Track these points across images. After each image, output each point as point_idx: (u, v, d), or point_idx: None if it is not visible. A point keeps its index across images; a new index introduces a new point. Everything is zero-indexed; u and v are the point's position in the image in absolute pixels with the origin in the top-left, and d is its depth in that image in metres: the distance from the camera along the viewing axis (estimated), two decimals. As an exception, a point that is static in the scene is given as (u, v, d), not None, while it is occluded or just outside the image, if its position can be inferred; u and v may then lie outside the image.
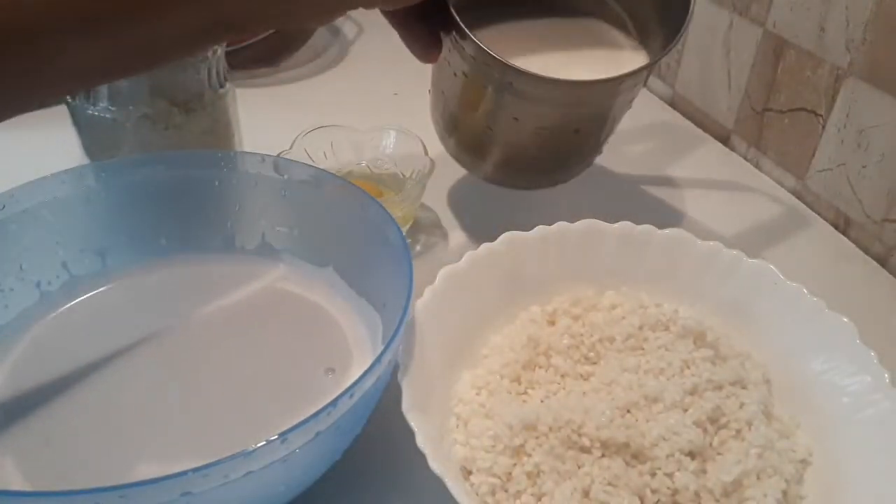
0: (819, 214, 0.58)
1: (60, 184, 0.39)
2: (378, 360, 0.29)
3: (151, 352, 0.38)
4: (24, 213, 0.38)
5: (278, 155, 0.49)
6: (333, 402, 0.26)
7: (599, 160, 0.49)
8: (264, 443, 0.25)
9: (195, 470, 0.23)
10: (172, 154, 0.42)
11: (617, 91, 0.42)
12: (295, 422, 0.25)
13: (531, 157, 0.46)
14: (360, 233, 0.39)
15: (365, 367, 0.29)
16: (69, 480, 0.31)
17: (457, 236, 0.53)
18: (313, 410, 0.26)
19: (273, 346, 0.39)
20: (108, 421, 0.34)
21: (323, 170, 0.42)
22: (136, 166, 0.41)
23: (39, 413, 0.34)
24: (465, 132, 0.47)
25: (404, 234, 0.51)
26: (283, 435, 0.25)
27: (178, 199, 0.42)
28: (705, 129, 0.70)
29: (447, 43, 0.43)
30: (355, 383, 0.27)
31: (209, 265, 0.43)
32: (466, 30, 0.39)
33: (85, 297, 0.40)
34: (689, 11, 0.43)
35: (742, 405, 0.34)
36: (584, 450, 0.32)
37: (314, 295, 0.42)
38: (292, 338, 0.40)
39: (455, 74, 0.43)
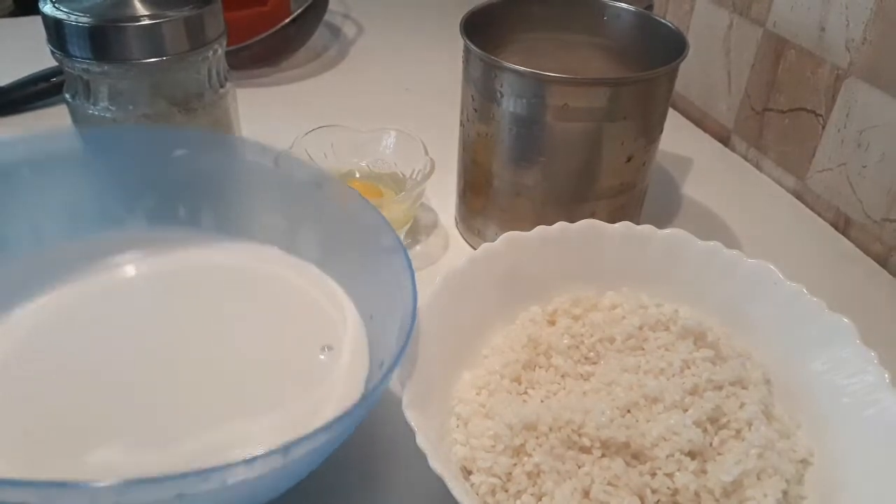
0: (819, 214, 0.58)
1: (47, 142, 0.38)
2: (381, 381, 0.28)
3: (138, 338, 0.37)
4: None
5: (278, 154, 0.49)
6: (340, 419, 0.26)
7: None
8: (265, 453, 0.24)
9: (196, 473, 0.23)
10: (172, 131, 0.41)
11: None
12: (294, 401, 0.25)
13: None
14: (357, 242, 0.39)
15: (360, 344, 0.28)
16: (54, 471, 0.29)
17: (457, 236, 0.53)
18: (312, 390, 0.25)
19: (266, 327, 0.38)
20: (95, 410, 0.33)
21: (324, 171, 0.41)
22: (127, 135, 0.40)
23: (18, 402, 0.33)
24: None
25: (404, 234, 0.51)
26: (285, 449, 0.25)
27: (168, 177, 0.41)
28: (705, 129, 0.70)
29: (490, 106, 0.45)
30: (361, 401, 0.27)
31: (197, 249, 0.42)
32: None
33: (58, 283, 0.39)
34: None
35: (742, 405, 0.34)
36: (585, 450, 0.32)
37: (305, 280, 0.41)
38: (285, 319, 0.39)
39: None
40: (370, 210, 0.37)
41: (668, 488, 0.31)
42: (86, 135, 0.39)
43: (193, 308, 0.39)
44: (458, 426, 0.34)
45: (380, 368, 0.32)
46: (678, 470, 0.31)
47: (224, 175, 0.42)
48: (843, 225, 0.56)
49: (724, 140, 0.68)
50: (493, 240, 0.39)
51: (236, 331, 0.38)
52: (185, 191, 0.42)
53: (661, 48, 0.46)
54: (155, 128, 0.42)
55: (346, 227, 0.39)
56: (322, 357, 0.36)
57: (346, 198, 0.39)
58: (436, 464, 0.28)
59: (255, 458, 0.24)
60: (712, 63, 0.68)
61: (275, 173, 0.41)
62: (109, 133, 0.40)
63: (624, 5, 0.50)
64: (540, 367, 0.36)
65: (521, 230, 0.40)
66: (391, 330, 0.32)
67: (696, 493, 0.31)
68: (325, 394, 0.34)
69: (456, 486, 0.28)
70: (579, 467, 0.31)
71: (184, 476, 0.23)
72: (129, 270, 0.40)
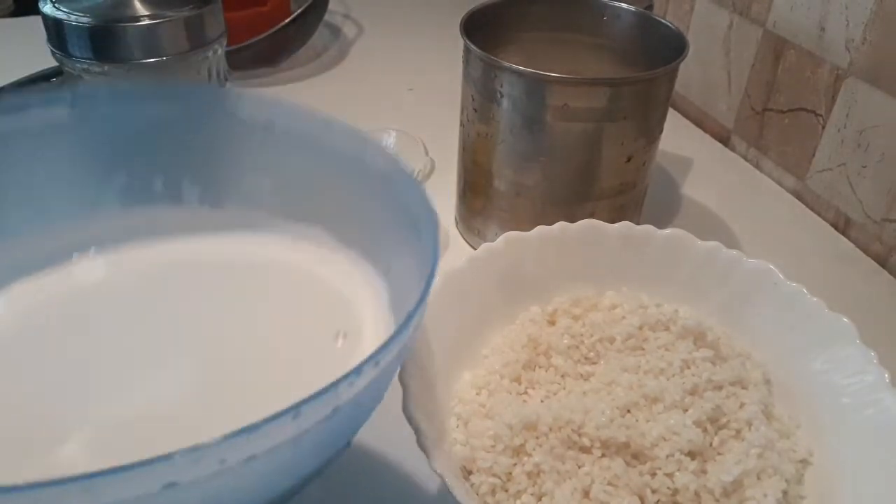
0: (819, 214, 0.58)
1: None
2: (406, 322, 0.24)
3: (134, 334, 0.32)
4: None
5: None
6: (356, 371, 0.22)
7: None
8: (271, 417, 0.20)
9: (183, 452, 0.18)
10: (134, 87, 0.36)
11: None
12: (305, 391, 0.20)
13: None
14: (360, 183, 0.34)
15: (378, 330, 0.25)
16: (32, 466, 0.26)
17: (457, 236, 0.53)
18: (330, 380, 0.21)
19: (273, 316, 0.34)
20: (85, 408, 0.29)
21: (316, 111, 0.35)
22: (80, 97, 0.34)
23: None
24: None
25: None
26: (295, 408, 0.20)
27: (140, 144, 0.35)
28: (705, 129, 0.70)
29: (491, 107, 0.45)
30: (380, 350, 0.23)
31: (182, 228, 0.36)
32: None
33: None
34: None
35: (742, 405, 0.34)
36: (585, 450, 0.32)
37: (306, 259, 0.36)
38: (292, 305, 0.34)
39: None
40: (379, 151, 0.32)
41: (668, 488, 0.31)
42: (26, 100, 0.32)
43: (184, 301, 0.34)
44: (458, 426, 0.34)
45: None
46: (678, 470, 0.31)
47: (203, 136, 0.36)
48: (843, 225, 0.56)
49: (724, 140, 0.68)
50: (493, 240, 0.39)
51: (237, 324, 0.33)
52: (162, 159, 0.36)
53: (661, 48, 0.46)
54: (113, 84, 0.38)
55: (349, 175, 0.34)
56: (338, 345, 0.32)
57: (349, 139, 0.33)
58: (436, 464, 0.28)
59: (257, 425, 0.19)
60: (712, 63, 0.68)
61: (263, 128, 0.35)
62: (55, 97, 0.33)
63: (624, 5, 0.50)
64: (540, 367, 0.36)
65: (521, 230, 0.40)
66: (411, 285, 0.28)
67: (696, 493, 0.31)
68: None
69: (456, 486, 0.28)
70: (579, 467, 0.31)
71: (168, 458, 0.18)
72: (107, 262, 0.35)
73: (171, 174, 0.36)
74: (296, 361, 0.32)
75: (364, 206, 0.34)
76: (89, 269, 0.35)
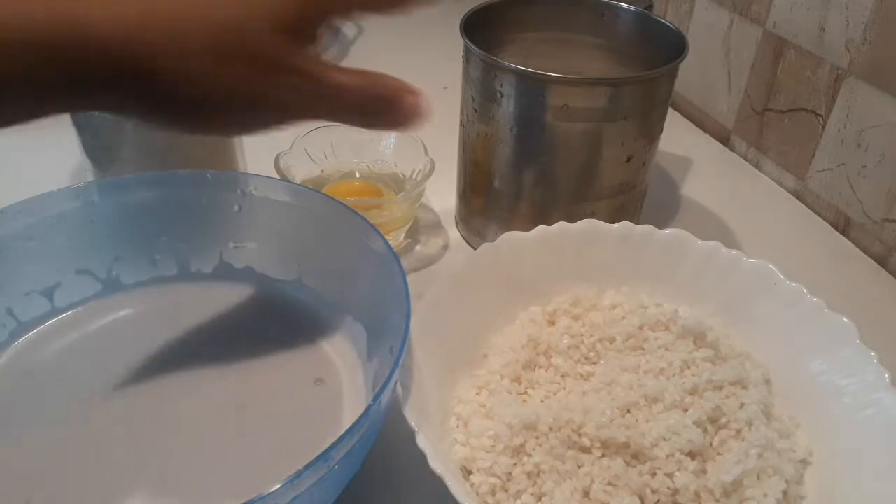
0: (819, 214, 0.58)
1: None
2: (377, 398, 0.27)
3: (131, 390, 0.35)
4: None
5: (277, 156, 0.49)
6: (327, 451, 0.25)
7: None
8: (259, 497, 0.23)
9: None
10: (120, 181, 0.40)
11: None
12: (292, 444, 0.25)
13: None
14: (333, 238, 0.38)
15: (353, 374, 0.27)
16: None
17: (457, 236, 0.53)
18: (310, 428, 0.25)
19: (256, 366, 0.37)
20: (92, 467, 0.32)
21: (294, 184, 0.40)
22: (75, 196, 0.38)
23: (18, 468, 0.32)
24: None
25: (404, 234, 0.51)
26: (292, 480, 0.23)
27: (127, 226, 0.40)
28: (705, 129, 0.70)
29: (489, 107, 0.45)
30: (349, 431, 0.26)
31: (168, 294, 0.41)
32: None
33: (40, 344, 0.38)
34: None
35: (742, 405, 0.34)
36: (584, 450, 0.32)
37: (287, 309, 0.40)
38: (274, 355, 0.38)
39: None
40: (356, 219, 0.36)
41: (668, 488, 0.31)
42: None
43: (175, 351, 0.38)
44: (458, 426, 0.34)
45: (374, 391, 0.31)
46: (678, 470, 0.31)
47: (189, 215, 0.41)
48: (843, 225, 0.56)
49: (724, 140, 0.68)
50: (493, 240, 0.39)
51: (227, 375, 0.37)
52: (155, 240, 0.41)
53: (661, 48, 0.46)
54: (102, 180, 0.41)
55: (330, 239, 0.38)
56: (318, 389, 0.36)
57: (328, 208, 0.38)
58: (436, 464, 0.28)
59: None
60: (712, 63, 0.68)
61: (231, 196, 0.40)
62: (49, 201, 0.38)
63: (624, 5, 0.50)
64: (540, 367, 0.36)
65: (521, 230, 0.40)
66: (387, 345, 0.32)
67: (696, 493, 0.31)
68: (326, 427, 0.34)
69: (456, 486, 0.28)
70: (579, 467, 0.31)
71: None
72: (107, 329, 0.39)
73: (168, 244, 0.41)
74: (278, 408, 0.35)
75: (339, 256, 0.38)
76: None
